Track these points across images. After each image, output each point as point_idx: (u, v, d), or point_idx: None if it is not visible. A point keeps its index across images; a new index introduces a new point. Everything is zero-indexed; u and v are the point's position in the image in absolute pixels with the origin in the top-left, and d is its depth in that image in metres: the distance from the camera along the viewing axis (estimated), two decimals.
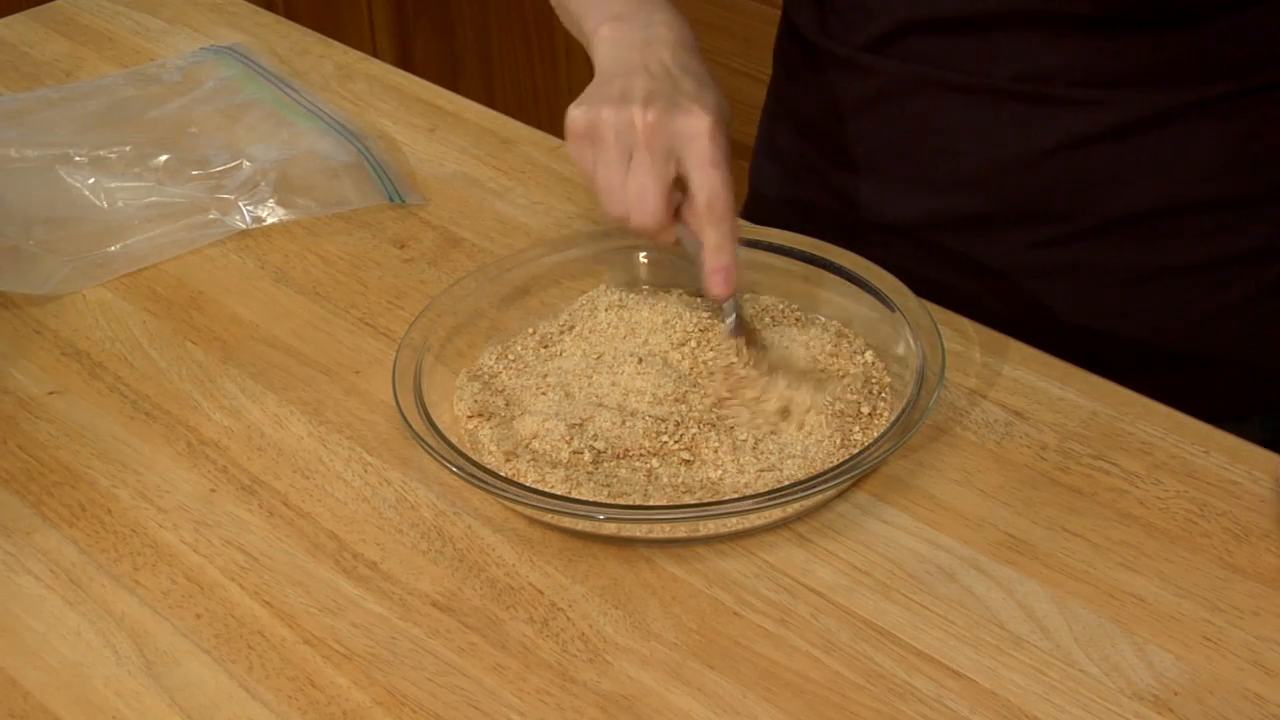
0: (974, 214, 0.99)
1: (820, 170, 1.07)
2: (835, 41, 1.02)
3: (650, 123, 0.83)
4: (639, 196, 0.84)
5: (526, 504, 0.79)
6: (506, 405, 0.87)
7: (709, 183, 0.83)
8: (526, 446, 0.83)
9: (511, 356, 0.91)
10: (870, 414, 0.84)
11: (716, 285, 0.85)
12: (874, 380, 0.87)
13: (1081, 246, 0.98)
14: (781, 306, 0.93)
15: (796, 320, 0.92)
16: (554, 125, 1.00)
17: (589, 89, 0.87)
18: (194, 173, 1.08)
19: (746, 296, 0.93)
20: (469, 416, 0.86)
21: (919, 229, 1.01)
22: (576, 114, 0.86)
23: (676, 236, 0.86)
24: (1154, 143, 0.94)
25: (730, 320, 0.87)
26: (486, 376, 0.89)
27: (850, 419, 0.84)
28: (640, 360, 0.86)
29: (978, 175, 0.98)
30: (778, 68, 1.13)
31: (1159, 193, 0.96)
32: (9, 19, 1.33)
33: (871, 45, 0.99)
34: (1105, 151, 0.95)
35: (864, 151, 1.03)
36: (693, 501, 0.80)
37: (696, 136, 0.83)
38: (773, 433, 0.83)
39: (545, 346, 0.91)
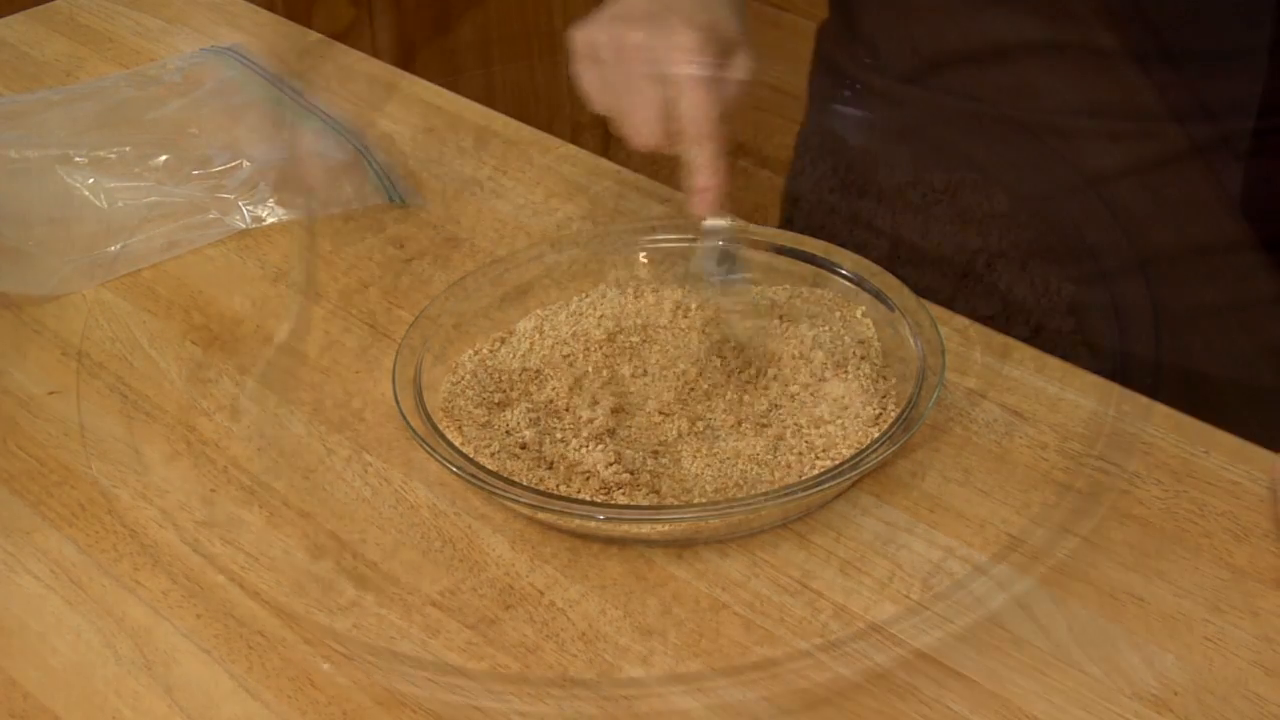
0: (1009, 249, 0.98)
1: (852, 201, 1.06)
2: (866, 72, 1.01)
3: (636, 43, 0.82)
4: (631, 119, 0.83)
5: (526, 504, 0.79)
6: (501, 404, 0.87)
7: (689, 101, 0.82)
8: (522, 445, 0.83)
9: (509, 354, 0.91)
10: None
11: (697, 206, 0.83)
12: (874, 380, 0.86)
13: (1126, 283, 0.96)
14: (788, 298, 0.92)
15: (809, 315, 0.91)
16: (554, 125, 1.00)
17: (598, 9, 0.86)
18: (194, 173, 1.08)
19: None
20: (464, 414, 0.86)
21: (952, 263, 1.00)
22: (577, 35, 0.85)
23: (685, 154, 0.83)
24: (1189, 178, 0.92)
25: (708, 261, 0.82)
26: (486, 376, 0.89)
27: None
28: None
29: (1013, 210, 0.97)
30: (811, 100, 1.11)
31: (1195, 229, 0.94)
32: (9, 19, 1.33)
33: (905, 77, 0.98)
34: (1141, 186, 0.93)
35: (897, 184, 1.02)
36: (692, 501, 0.80)
37: (679, 55, 0.81)
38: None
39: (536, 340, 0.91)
